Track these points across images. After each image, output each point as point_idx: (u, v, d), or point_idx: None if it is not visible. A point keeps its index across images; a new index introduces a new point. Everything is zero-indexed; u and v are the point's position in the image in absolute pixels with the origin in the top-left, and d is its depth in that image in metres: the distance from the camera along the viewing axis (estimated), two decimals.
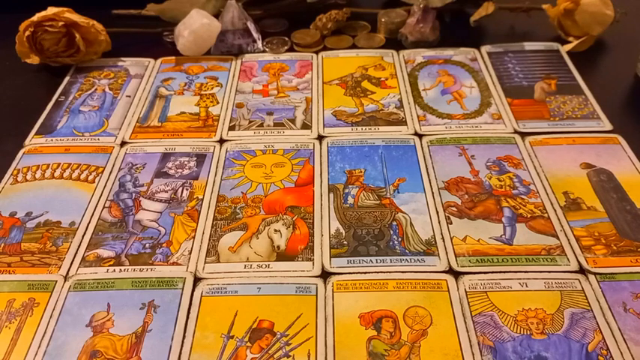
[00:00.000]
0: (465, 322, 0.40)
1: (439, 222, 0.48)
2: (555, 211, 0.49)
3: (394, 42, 0.71)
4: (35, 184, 0.52)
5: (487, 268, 0.44)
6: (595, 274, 0.43)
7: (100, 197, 0.51)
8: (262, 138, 0.57)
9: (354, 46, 0.71)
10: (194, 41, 0.67)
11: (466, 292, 0.42)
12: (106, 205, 0.50)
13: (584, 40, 0.68)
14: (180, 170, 0.53)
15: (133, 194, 0.51)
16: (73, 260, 0.46)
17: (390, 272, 0.44)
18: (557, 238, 0.46)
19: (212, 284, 0.43)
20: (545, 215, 0.48)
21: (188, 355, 0.39)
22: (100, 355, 0.39)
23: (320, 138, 0.57)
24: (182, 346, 0.39)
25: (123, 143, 0.57)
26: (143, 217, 0.49)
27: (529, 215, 0.48)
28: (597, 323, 0.40)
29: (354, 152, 0.55)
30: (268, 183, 0.52)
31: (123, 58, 0.69)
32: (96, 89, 0.64)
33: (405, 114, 0.60)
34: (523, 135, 0.57)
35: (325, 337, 0.40)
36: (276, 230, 0.47)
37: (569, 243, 0.46)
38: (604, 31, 0.69)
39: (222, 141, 0.57)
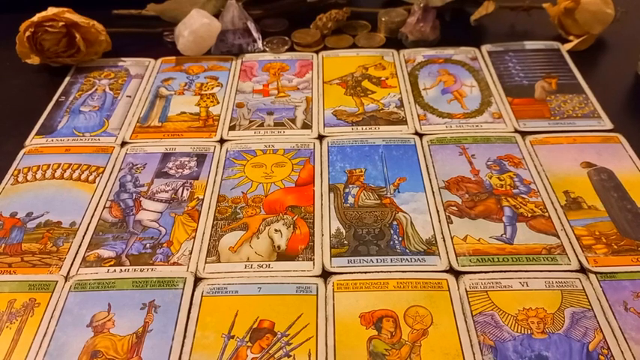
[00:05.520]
0: (466, 322, 0.40)
1: (440, 221, 0.48)
2: (556, 210, 0.49)
3: (394, 41, 0.71)
4: (36, 185, 0.52)
5: (488, 268, 0.44)
6: (596, 273, 0.43)
7: (100, 197, 0.51)
8: (262, 138, 0.57)
9: (354, 46, 0.71)
10: (194, 41, 0.67)
11: (467, 291, 0.42)
12: (106, 206, 0.50)
13: (585, 39, 0.68)
14: (180, 170, 0.54)
15: (134, 194, 0.51)
16: (73, 260, 0.46)
17: (390, 272, 0.44)
18: (558, 237, 0.46)
19: (212, 284, 0.43)
20: (546, 214, 0.48)
21: (189, 355, 0.39)
22: (100, 355, 0.39)
23: (320, 138, 0.57)
24: (183, 346, 0.39)
25: (123, 143, 0.57)
26: (144, 217, 0.49)
27: (529, 214, 0.48)
28: (598, 322, 0.40)
29: (354, 152, 0.55)
30: (268, 183, 0.52)
31: (123, 58, 0.69)
32: (96, 89, 0.64)
33: (405, 113, 0.60)
34: (523, 134, 0.56)
35: (326, 336, 0.40)
36: (276, 230, 0.47)
37: (570, 242, 0.46)
38: (604, 30, 0.69)
39: (222, 141, 0.57)
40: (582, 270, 0.44)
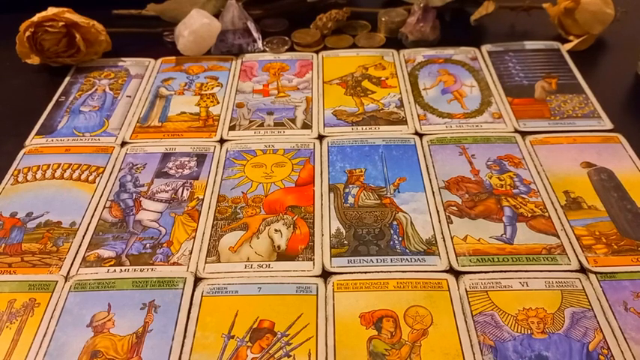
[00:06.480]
0: (466, 322, 0.40)
1: (440, 221, 0.48)
2: (556, 210, 0.49)
3: (394, 41, 0.71)
4: (36, 185, 0.52)
5: (488, 268, 0.44)
6: (596, 273, 0.43)
7: (100, 197, 0.51)
8: (262, 138, 0.57)
9: (354, 46, 0.71)
10: (194, 41, 0.67)
11: (467, 291, 0.42)
12: (106, 206, 0.50)
13: (585, 39, 0.68)
14: (180, 170, 0.54)
15: (134, 194, 0.51)
16: (73, 260, 0.46)
17: (390, 272, 0.44)
18: (558, 237, 0.46)
19: (212, 284, 0.43)
20: (546, 214, 0.48)
21: (189, 355, 0.39)
22: (100, 356, 0.39)
23: (320, 137, 0.57)
24: (183, 346, 0.39)
25: (123, 143, 0.57)
26: (144, 217, 0.49)
27: (530, 214, 0.48)
28: (598, 322, 0.40)
29: (354, 152, 0.55)
30: (269, 183, 0.52)
31: (123, 58, 0.69)
32: (96, 89, 0.64)
33: (405, 113, 0.60)
34: (523, 134, 0.56)
35: (326, 336, 0.40)
36: (276, 230, 0.47)
37: (570, 242, 0.46)
38: (604, 30, 0.69)
39: (222, 141, 0.57)
40: (582, 270, 0.44)
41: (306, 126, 0.58)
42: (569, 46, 0.69)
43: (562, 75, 0.64)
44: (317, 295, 0.42)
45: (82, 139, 0.58)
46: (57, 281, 0.44)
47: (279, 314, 0.41)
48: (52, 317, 0.41)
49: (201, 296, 0.43)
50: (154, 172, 0.53)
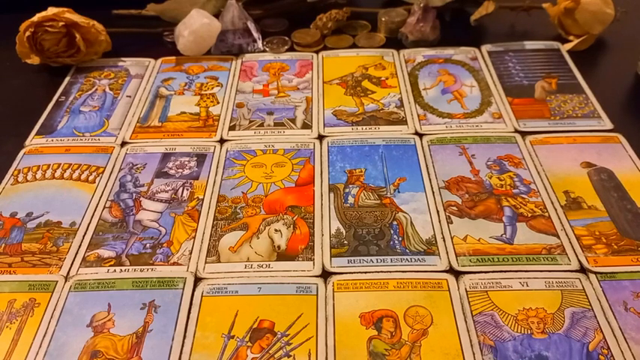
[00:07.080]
0: (466, 322, 0.40)
1: (440, 221, 0.48)
2: (556, 210, 0.49)
3: (394, 41, 0.71)
4: (36, 185, 0.52)
5: (488, 268, 0.44)
6: (596, 273, 0.43)
7: (100, 197, 0.51)
8: (263, 138, 0.57)
9: (354, 46, 0.71)
10: (194, 41, 0.67)
11: (467, 291, 0.42)
12: (106, 206, 0.50)
13: (585, 39, 0.68)
14: (180, 170, 0.54)
15: (134, 194, 0.51)
16: (73, 260, 0.46)
17: (390, 272, 0.44)
18: (558, 237, 0.46)
19: (212, 284, 0.43)
20: (546, 214, 0.48)
21: (189, 355, 0.39)
22: (100, 356, 0.39)
23: (320, 138, 0.57)
24: (183, 346, 0.39)
25: (123, 143, 0.57)
26: (143, 217, 0.49)
27: (530, 214, 0.48)
28: (598, 322, 0.40)
29: (354, 152, 0.55)
30: (269, 183, 0.52)
31: (123, 58, 0.69)
32: (96, 89, 0.64)
33: (405, 113, 0.60)
34: (523, 134, 0.56)
35: (326, 336, 0.40)
36: (276, 230, 0.47)
37: (570, 242, 0.46)
38: (604, 30, 0.69)
39: (222, 141, 0.57)
40: (582, 270, 0.44)
41: (306, 126, 0.58)
42: (569, 46, 0.69)
43: (562, 75, 0.64)
44: (317, 295, 0.42)
45: (82, 139, 0.58)
46: (57, 281, 0.44)
47: (279, 314, 0.41)
48: (52, 317, 0.41)
49: (201, 296, 0.43)
50: (154, 172, 0.53)
